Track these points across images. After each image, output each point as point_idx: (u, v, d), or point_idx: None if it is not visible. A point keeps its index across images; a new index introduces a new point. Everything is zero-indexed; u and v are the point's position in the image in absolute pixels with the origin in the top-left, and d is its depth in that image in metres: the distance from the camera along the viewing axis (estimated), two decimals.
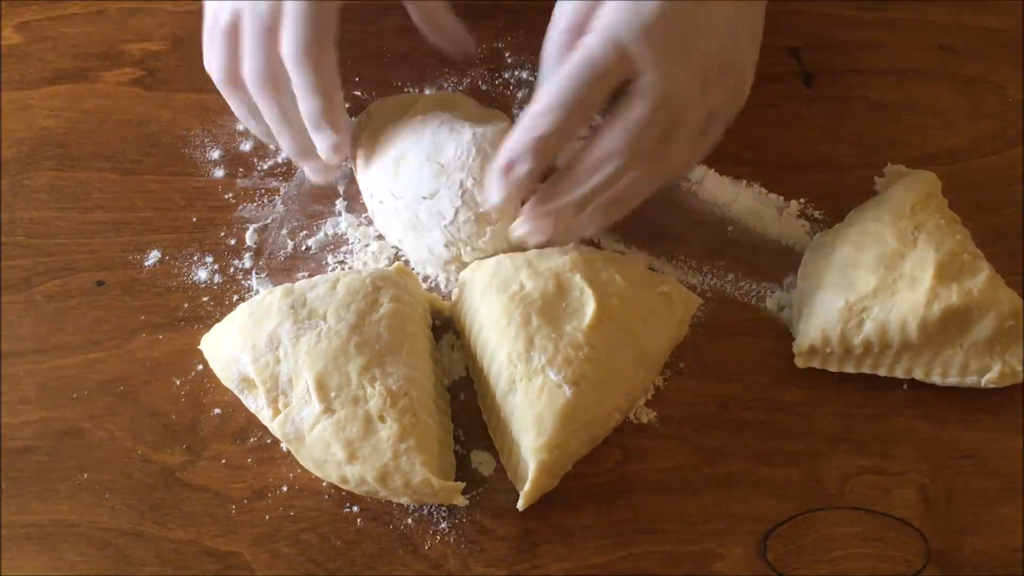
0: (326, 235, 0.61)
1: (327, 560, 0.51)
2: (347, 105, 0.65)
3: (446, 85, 0.66)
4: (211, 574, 0.51)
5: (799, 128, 0.66)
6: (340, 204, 0.62)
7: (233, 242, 0.60)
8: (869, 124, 0.66)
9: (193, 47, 0.66)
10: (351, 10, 0.57)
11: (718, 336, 0.58)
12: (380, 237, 0.60)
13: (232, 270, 0.59)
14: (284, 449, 0.53)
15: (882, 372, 0.56)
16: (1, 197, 0.61)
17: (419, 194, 0.55)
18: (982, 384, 0.55)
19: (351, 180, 0.62)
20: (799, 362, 0.56)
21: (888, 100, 0.67)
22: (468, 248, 0.56)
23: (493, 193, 0.53)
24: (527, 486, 0.50)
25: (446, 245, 0.56)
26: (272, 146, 0.63)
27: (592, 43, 0.49)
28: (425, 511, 0.53)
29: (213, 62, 0.56)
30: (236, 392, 0.53)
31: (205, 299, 0.58)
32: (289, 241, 0.60)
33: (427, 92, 0.66)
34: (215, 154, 0.63)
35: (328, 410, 0.50)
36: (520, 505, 0.51)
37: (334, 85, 0.55)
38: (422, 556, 0.52)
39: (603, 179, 0.52)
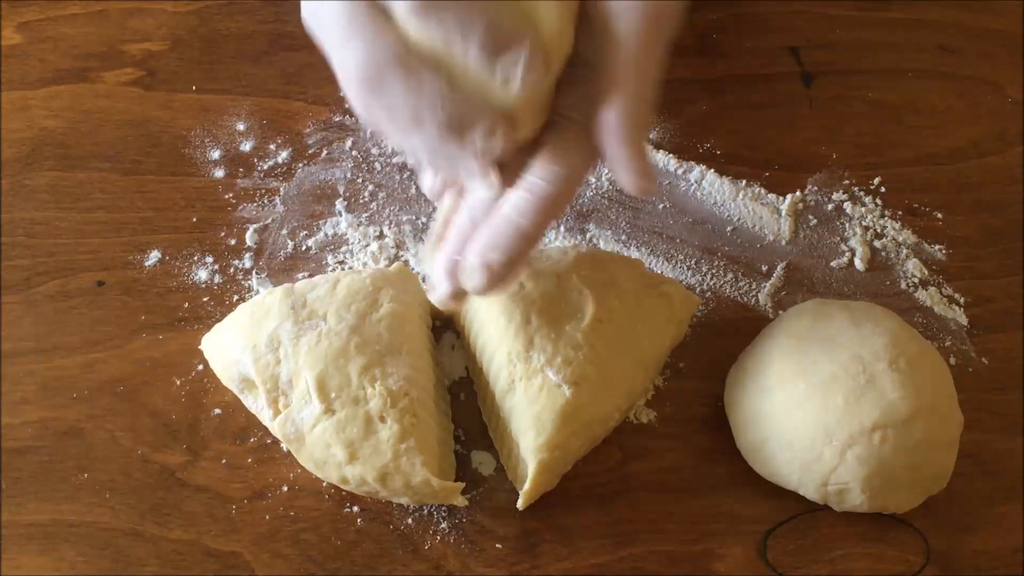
0: (326, 235, 0.60)
1: (327, 560, 0.51)
2: (348, 106, 0.65)
3: None
4: (211, 574, 0.51)
5: (799, 128, 0.66)
6: (340, 204, 0.61)
7: (233, 242, 0.60)
8: (869, 124, 0.66)
9: (193, 47, 0.67)
10: None
11: (718, 336, 0.58)
12: (380, 237, 0.60)
13: (232, 270, 0.59)
14: (284, 449, 0.53)
15: None
16: (1, 197, 0.61)
17: None
18: None
19: (351, 180, 0.62)
20: None
21: (888, 100, 0.67)
22: None
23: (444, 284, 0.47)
24: (527, 486, 0.50)
25: None
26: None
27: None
28: (425, 511, 0.53)
29: None
30: (236, 392, 0.53)
31: (205, 299, 0.58)
32: (289, 241, 0.60)
33: None
34: (215, 154, 0.63)
35: (328, 410, 0.50)
36: (520, 505, 0.51)
37: None
38: (422, 556, 0.52)
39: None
